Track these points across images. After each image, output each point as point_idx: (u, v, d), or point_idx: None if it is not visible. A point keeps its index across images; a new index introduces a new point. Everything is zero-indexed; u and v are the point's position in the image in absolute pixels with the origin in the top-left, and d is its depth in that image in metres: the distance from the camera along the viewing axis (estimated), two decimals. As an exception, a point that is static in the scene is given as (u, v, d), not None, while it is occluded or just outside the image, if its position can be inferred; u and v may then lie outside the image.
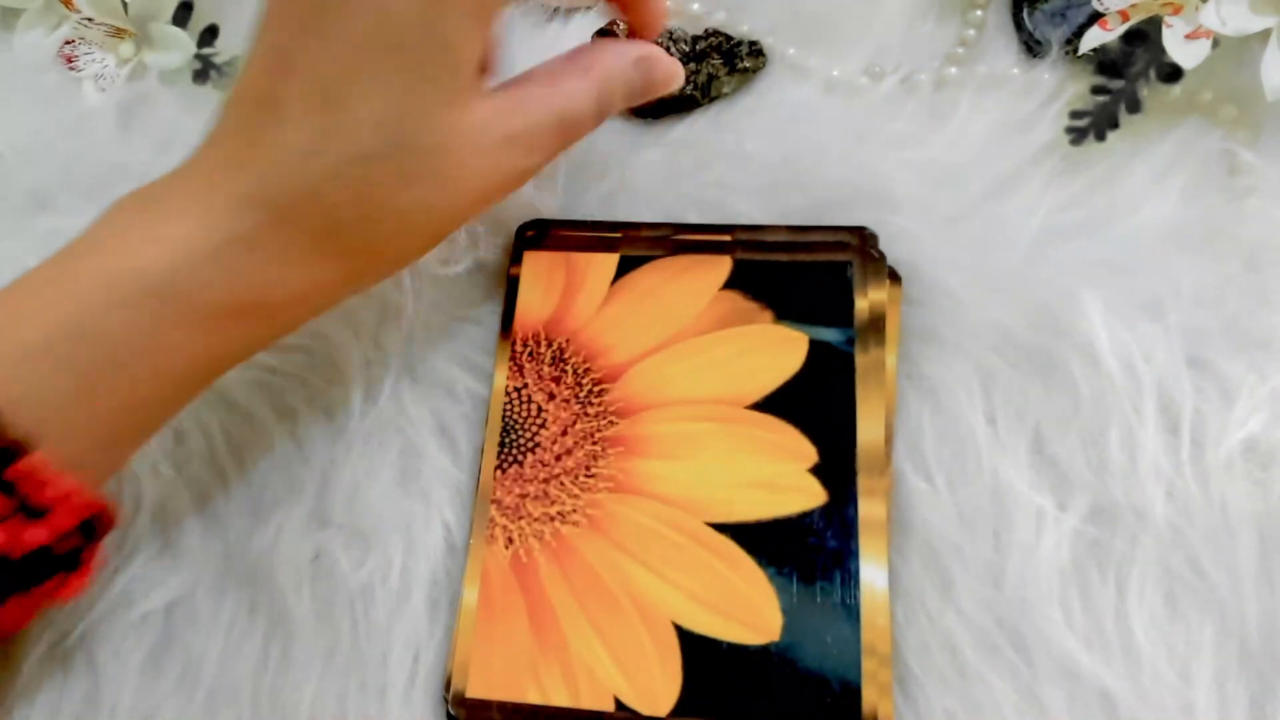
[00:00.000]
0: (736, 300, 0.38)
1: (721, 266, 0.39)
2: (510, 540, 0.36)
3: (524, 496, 0.36)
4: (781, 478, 0.35)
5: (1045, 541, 0.36)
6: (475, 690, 0.34)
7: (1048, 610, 0.35)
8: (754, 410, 0.36)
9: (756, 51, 0.45)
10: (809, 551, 0.34)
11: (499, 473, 0.37)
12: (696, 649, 0.33)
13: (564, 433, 0.36)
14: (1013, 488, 0.36)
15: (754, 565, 0.34)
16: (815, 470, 0.35)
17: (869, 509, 0.35)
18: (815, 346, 0.37)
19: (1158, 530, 0.35)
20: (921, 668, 0.35)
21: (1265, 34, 0.38)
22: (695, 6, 0.46)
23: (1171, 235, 0.39)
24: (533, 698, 0.34)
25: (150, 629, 0.39)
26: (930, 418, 0.38)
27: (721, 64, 0.44)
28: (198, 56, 0.48)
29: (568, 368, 0.37)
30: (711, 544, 0.35)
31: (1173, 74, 0.40)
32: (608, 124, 0.44)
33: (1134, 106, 0.41)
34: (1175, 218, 0.39)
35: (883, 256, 0.38)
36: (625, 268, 0.39)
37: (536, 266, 0.40)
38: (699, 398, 0.36)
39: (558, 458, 0.36)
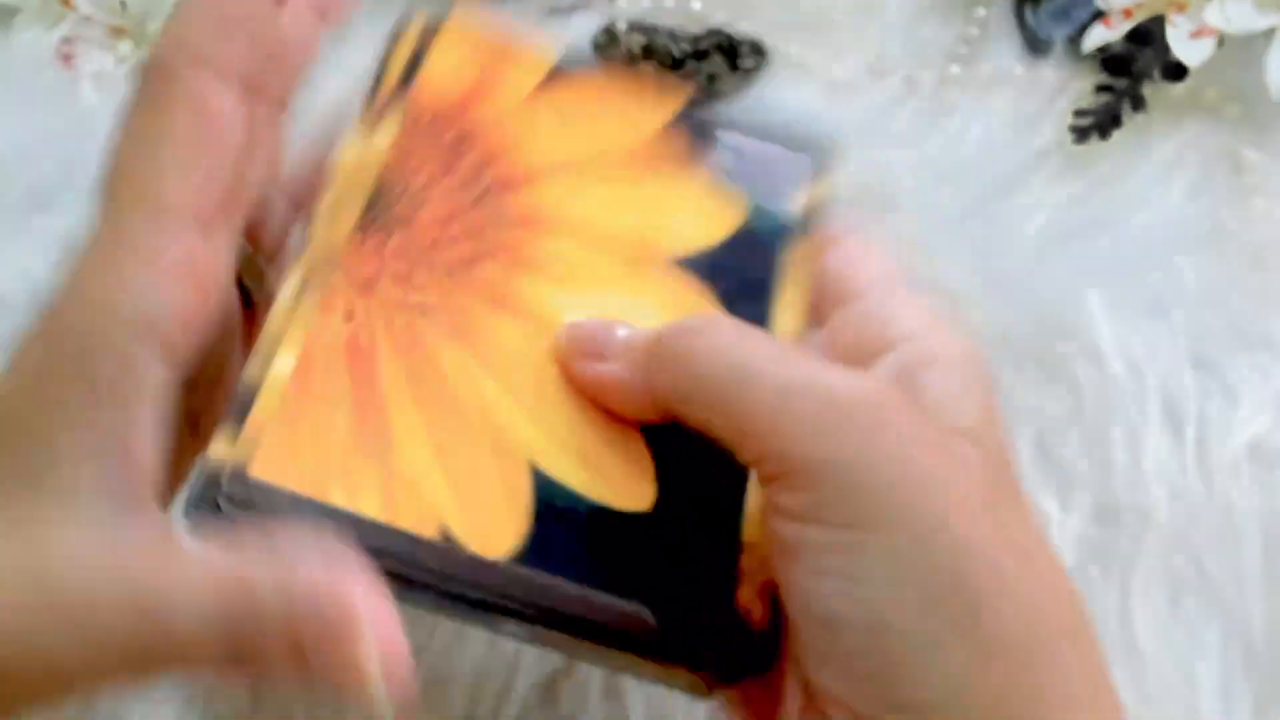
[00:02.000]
0: (678, 144, 0.33)
1: (668, 105, 0.33)
2: (351, 315, 0.28)
3: (380, 273, 0.29)
4: None
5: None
6: (261, 470, 0.25)
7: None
8: (671, 265, 0.31)
9: (757, 51, 0.45)
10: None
11: (358, 237, 0.29)
12: (552, 497, 0.27)
13: (446, 222, 0.30)
14: (1016, 488, 0.36)
15: (632, 427, 0.29)
16: None
17: None
18: (749, 222, 0.32)
19: (1162, 531, 0.35)
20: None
21: (1270, 32, 0.38)
22: (696, 6, 0.46)
23: (1176, 234, 0.39)
24: (336, 499, 0.26)
25: None
26: (933, 418, 0.38)
27: (722, 63, 0.44)
28: (197, 56, 0.48)
29: (465, 161, 0.31)
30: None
31: (1177, 72, 0.40)
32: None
33: (1138, 105, 0.40)
34: (1179, 217, 0.39)
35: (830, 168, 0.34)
36: (559, 76, 0.33)
37: (454, 38, 0.33)
38: (613, 233, 0.32)
39: (434, 243, 0.30)
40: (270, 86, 0.26)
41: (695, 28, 0.46)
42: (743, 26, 0.46)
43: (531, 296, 0.30)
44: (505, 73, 0.33)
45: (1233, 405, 0.36)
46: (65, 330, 0.23)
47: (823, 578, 0.23)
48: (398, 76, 0.32)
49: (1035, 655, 0.22)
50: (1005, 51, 0.44)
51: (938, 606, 0.22)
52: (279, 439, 0.26)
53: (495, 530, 0.27)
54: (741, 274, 0.31)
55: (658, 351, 0.26)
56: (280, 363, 0.27)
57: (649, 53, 0.44)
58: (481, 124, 0.32)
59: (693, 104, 0.34)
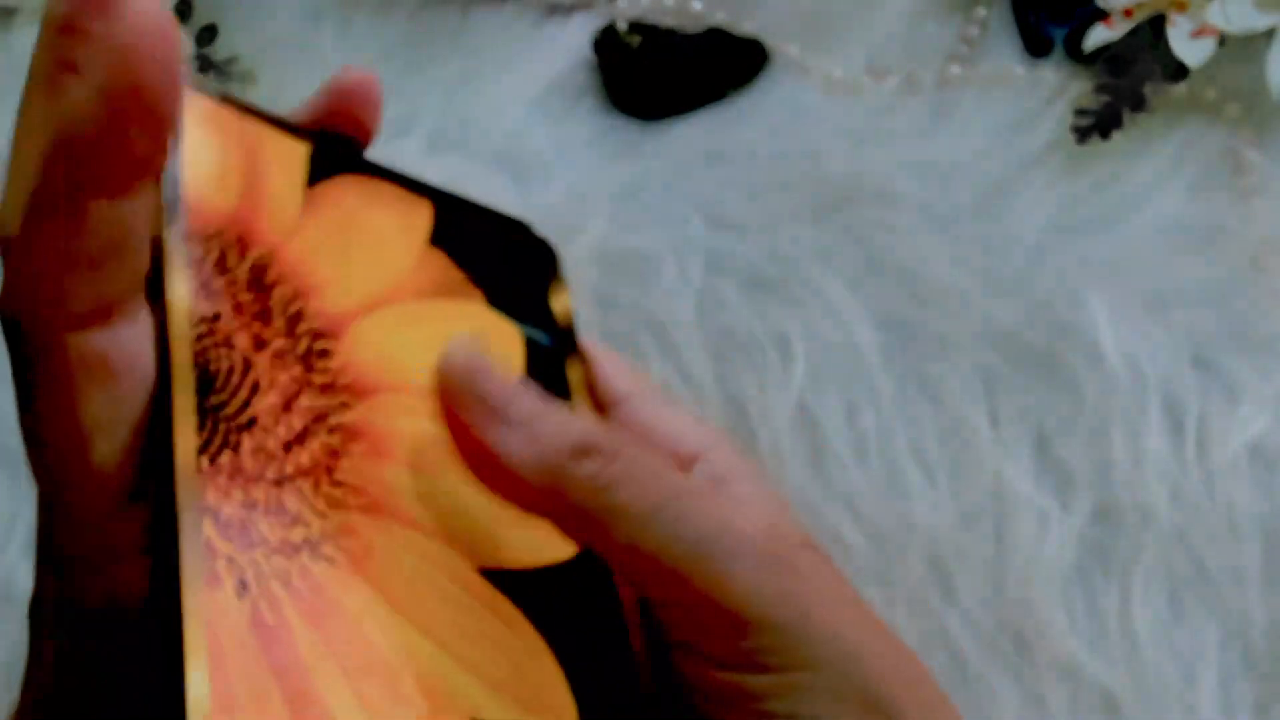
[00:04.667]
0: (446, 266, 0.29)
1: (422, 213, 0.29)
2: (245, 586, 0.22)
3: (251, 508, 0.23)
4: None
5: (1048, 542, 0.35)
6: None
7: (1051, 611, 0.35)
8: None
9: (757, 51, 0.45)
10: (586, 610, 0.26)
11: (205, 460, 0.22)
12: None
13: (288, 409, 0.24)
14: (1015, 488, 0.36)
15: (533, 632, 0.25)
16: None
17: None
18: (530, 347, 0.29)
19: (1162, 531, 0.35)
20: (924, 670, 0.34)
21: (1270, 32, 0.38)
22: (696, 6, 0.46)
23: (1176, 234, 0.39)
24: None
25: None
26: (932, 418, 0.38)
27: (722, 64, 0.44)
28: (197, 55, 0.48)
29: (273, 302, 0.25)
30: (492, 602, 0.26)
31: (1178, 72, 0.40)
32: (607, 124, 0.44)
33: (1138, 105, 0.40)
34: (1180, 217, 0.39)
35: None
36: (318, 169, 0.27)
37: (209, 124, 0.25)
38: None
39: (286, 447, 0.24)
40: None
41: (695, 28, 0.46)
42: (743, 26, 0.46)
43: (398, 491, 0.25)
44: (268, 172, 0.27)
45: (1233, 405, 0.36)
46: None
47: (773, 713, 0.22)
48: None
49: None
50: (1005, 51, 0.44)
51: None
52: None
53: None
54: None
55: (569, 469, 0.23)
56: (195, 684, 0.20)
57: (649, 53, 0.44)
58: (272, 250, 0.26)
59: (439, 210, 0.29)
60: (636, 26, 0.44)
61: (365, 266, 0.28)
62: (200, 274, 0.24)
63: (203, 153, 0.25)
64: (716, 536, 0.22)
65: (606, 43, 0.44)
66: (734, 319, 0.40)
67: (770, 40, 0.45)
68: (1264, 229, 0.38)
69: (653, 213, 0.42)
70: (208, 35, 0.49)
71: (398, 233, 0.29)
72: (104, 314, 0.19)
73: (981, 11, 0.44)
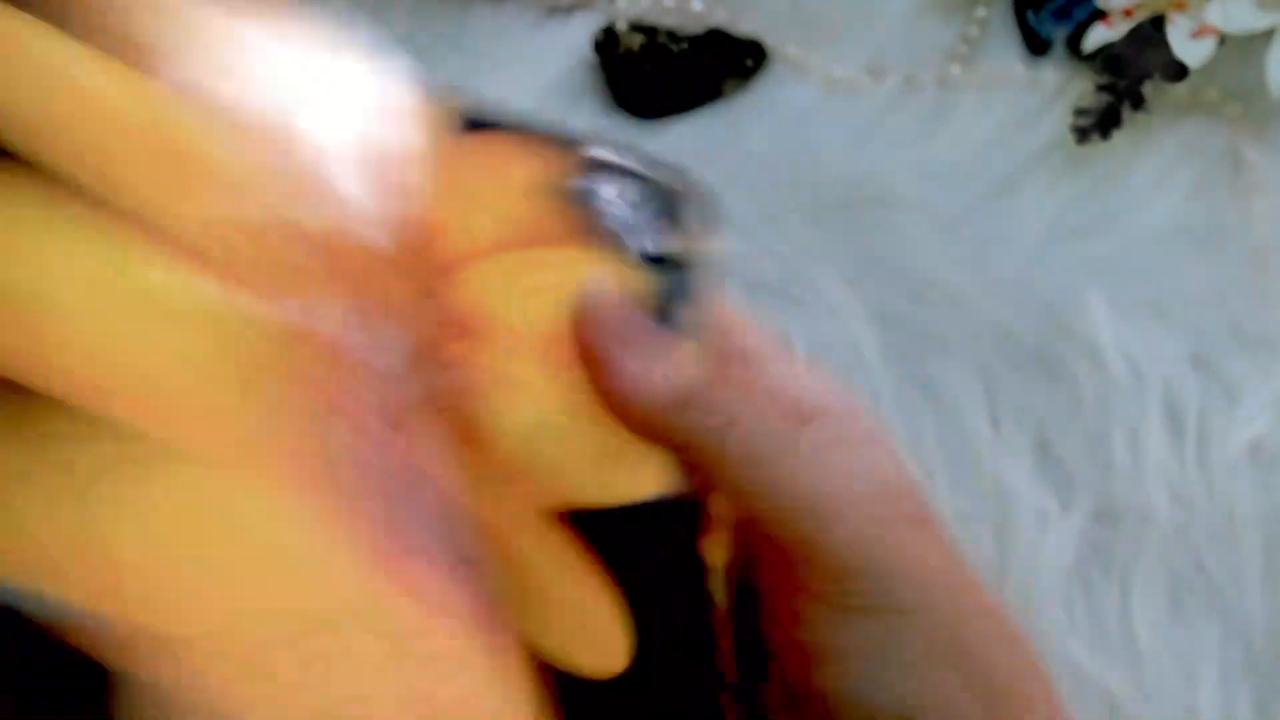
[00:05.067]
0: (564, 213, 0.30)
1: (542, 166, 0.30)
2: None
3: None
4: None
5: (1049, 542, 0.35)
6: None
7: (1051, 611, 0.35)
8: None
9: (757, 51, 0.45)
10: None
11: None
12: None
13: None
14: (1016, 488, 0.36)
15: (596, 571, 0.26)
16: None
17: None
18: (651, 293, 0.29)
19: (1162, 531, 0.35)
20: (924, 670, 0.34)
21: (1270, 32, 0.38)
22: (696, 6, 0.46)
23: (1176, 234, 0.39)
24: None
25: None
26: (932, 418, 0.37)
27: (722, 64, 0.44)
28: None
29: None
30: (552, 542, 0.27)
31: (1178, 72, 0.40)
32: (607, 124, 0.44)
33: (1138, 105, 0.40)
34: (1180, 216, 0.39)
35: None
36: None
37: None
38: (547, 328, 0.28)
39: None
40: None
41: (695, 28, 0.46)
42: (743, 26, 0.46)
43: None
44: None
45: (1233, 406, 0.36)
46: None
47: (865, 663, 0.23)
48: None
49: (1021, 699, 0.24)
50: (1005, 51, 0.44)
51: (970, 682, 0.23)
52: None
53: None
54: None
55: (675, 413, 0.24)
56: None
57: (649, 53, 0.44)
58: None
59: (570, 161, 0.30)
60: (636, 26, 0.44)
61: (484, 212, 0.29)
62: None
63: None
64: (817, 494, 0.23)
65: (606, 43, 0.44)
66: (734, 319, 0.40)
67: (770, 40, 0.45)
68: (1264, 229, 0.38)
69: (653, 213, 0.42)
70: (208, 35, 0.49)
71: (515, 180, 0.29)
72: None
73: (981, 11, 0.44)
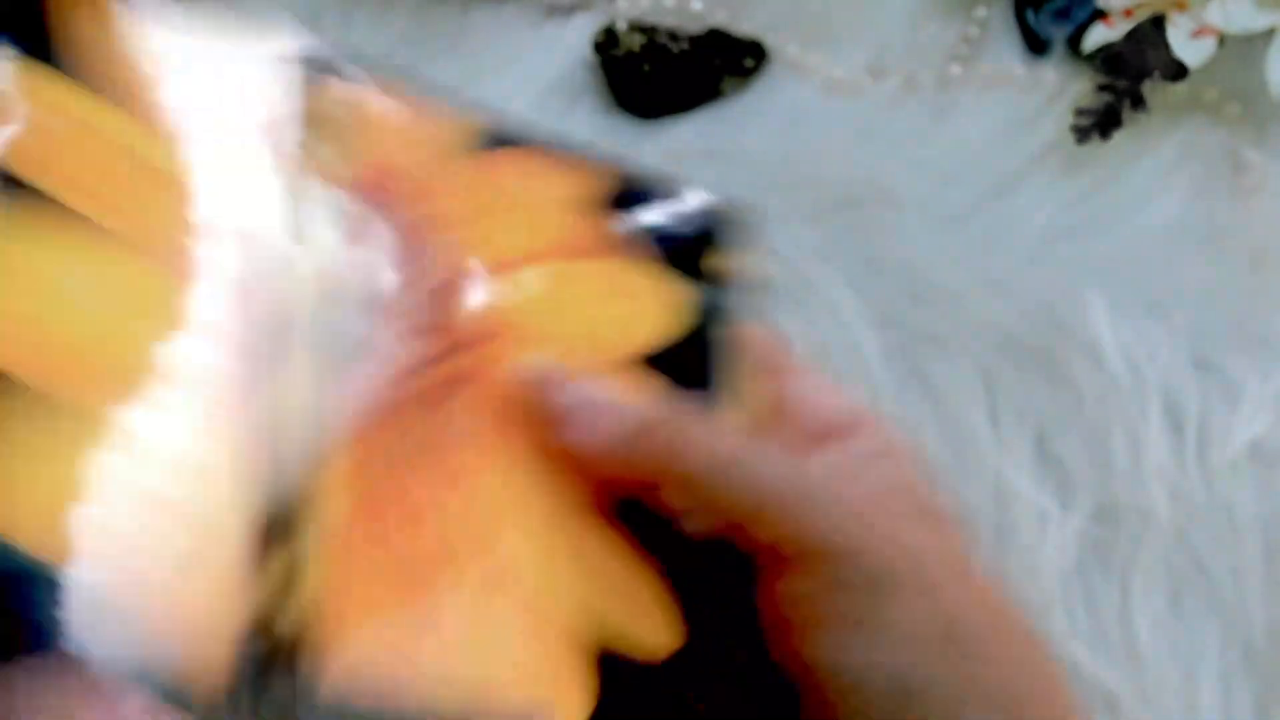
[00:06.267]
0: (599, 227, 0.30)
1: (585, 184, 0.31)
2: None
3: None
4: None
5: (1048, 542, 0.35)
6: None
7: (1051, 611, 0.35)
8: (626, 364, 0.29)
9: (757, 51, 0.45)
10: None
11: None
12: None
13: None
14: (1015, 488, 0.36)
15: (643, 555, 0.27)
16: None
17: None
18: (683, 310, 0.30)
19: (1162, 531, 0.35)
20: (924, 670, 0.34)
21: (1270, 32, 0.38)
22: (696, 6, 0.46)
23: (1176, 234, 0.39)
24: None
25: None
26: (932, 418, 0.38)
27: (722, 64, 0.44)
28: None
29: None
30: (594, 527, 0.27)
31: (1178, 72, 0.40)
32: (607, 123, 0.44)
33: (1138, 105, 0.40)
34: (1180, 217, 0.39)
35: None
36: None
37: None
38: (580, 335, 0.30)
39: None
40: None
41: (695, 28, 0.46)
42: (743, 26, 0.46)
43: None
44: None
45: (1233, 405, 0.36)
46: None
47: (854, 634, 0.23)
48: None
49: (1021, 696, 0.24)
50: (1005, 51, 0.44)
51: (966, 669, 0.23)
52: None
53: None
54: (684, 366, 0.29)
55: (654, 433, 0.25)
56: None
57: (649, 53, 0.44)
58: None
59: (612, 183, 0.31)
60: (636, 26, 0.44)
61: (519, 224, 0.29)
62: None
63: None
64: (791, 486, 0.24)
65: (606, 43, 0.44)
66: (734, 319, 0.40)
67: (770, 40, 0.45)
68: (1264, 229, 0.38)
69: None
70: (208, 35, 0.49)
71: (558, 195, 0.30)
72: None
73: (981, 11, 0.44)
